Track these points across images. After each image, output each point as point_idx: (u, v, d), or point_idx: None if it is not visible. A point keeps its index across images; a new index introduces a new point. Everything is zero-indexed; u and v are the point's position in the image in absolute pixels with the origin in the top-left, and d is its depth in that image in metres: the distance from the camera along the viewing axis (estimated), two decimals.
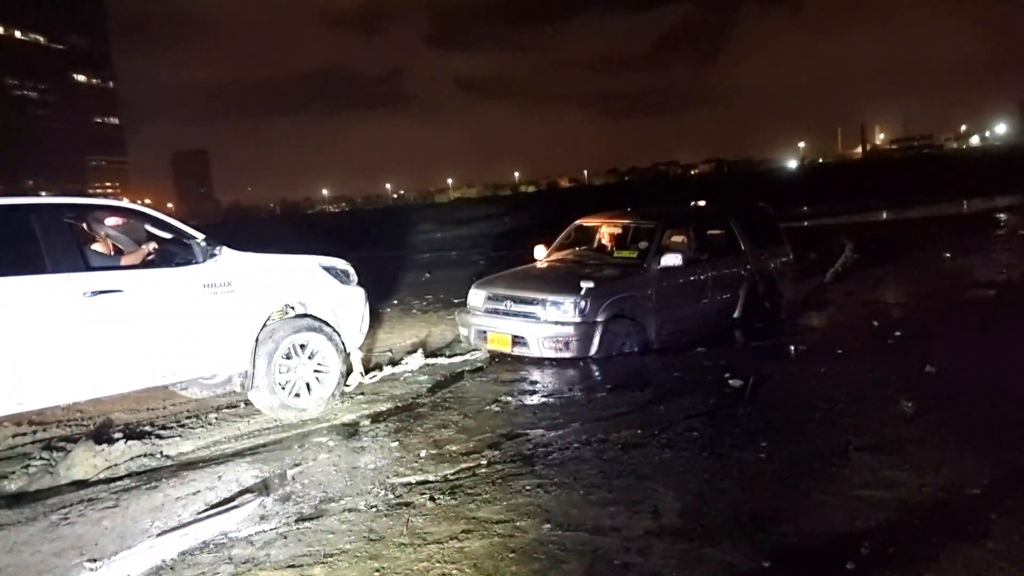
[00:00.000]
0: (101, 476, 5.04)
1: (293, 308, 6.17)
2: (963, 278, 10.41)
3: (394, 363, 7.58)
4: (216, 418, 6.20)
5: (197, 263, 5.47)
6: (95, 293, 4.94)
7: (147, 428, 5.95)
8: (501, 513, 3.92)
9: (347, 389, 6.55)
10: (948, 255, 12.75)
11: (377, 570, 3.43)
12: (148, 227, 5.66)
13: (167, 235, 5.58)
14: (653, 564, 3.31)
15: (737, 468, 4.34)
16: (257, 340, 5.77)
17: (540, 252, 8.70)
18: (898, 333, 7.43)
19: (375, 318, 10.65)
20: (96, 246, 5.57)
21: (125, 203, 5.87)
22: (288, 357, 5.94)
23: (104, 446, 5.39)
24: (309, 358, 6.08)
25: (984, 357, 6.35)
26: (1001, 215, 19.35)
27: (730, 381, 6.04)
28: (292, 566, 3.52)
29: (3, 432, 5.86)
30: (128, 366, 5.16)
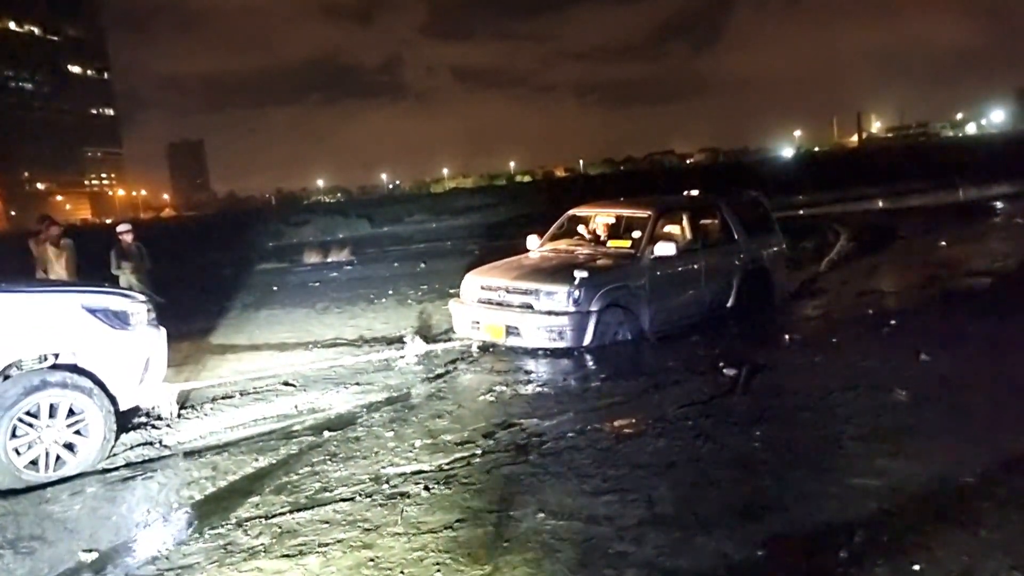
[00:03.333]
0: (98, 467, 5.03)
1: (56, 356, 5.07)
2: (958, 267, 10.43)
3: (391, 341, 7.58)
4: (211, 408, 6.20)
5: None
6: None
7: (143, 419, 5.95)
8: (495, 502, 3.93)
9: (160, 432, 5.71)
10: (943, 243, 12.76)
11: (372, 559, 3.45)
12: None
13: None
14: (647, 553, 3.33)
15: (731, 457, 4.36)
16: None
17: (533, 242, 8.69)
18: (893, 322, 7.45)
19: (371, 309, 10.69)
20: None
21: None
22: (35, 416, 4.82)
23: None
24: (66, 419, 4.94)
25: (979, 346, 6.37)
26: (997, 203, 19.37)
27: (724, 370, 6.06)
28: (287, 555, 3.54)
29: None
30: None
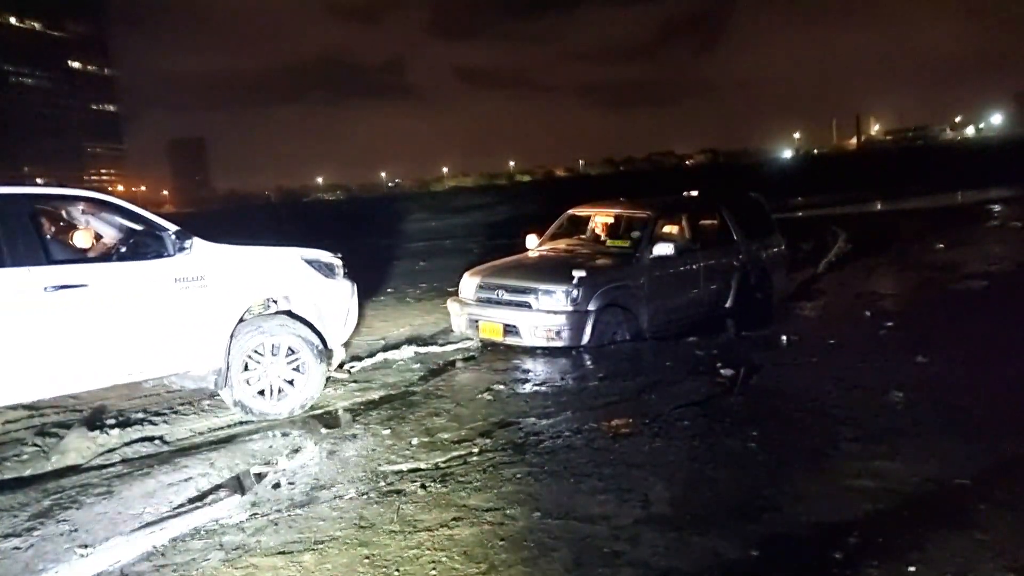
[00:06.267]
0: (94, 462, 5.04)
1: (276, 302, 5.86)
2: (955, 269, 10.43)
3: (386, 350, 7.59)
4: (209, 405, 6.20)
5: (168, 256, 5.19)
6: (57, 288, 4.70)
7: (140, 414, 5.95)
8: (491, 501, 3.93)
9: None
10: (941, 246, 12.77)
11: (367, 557, 3.45)
12: (117, 218, 5.42)
13: (137, 226, 5.31)
14: (642, 552, 3.33)
15: (727, 457, 4.36)
16: (232, 337, 5.49)
17: (532, 241, 8.69)
18: (890, 323, 7.46)
19: (370, 306, 10.69)
20: (79, 236, 5.42)
21: (91, 193, 5.48)
22: (263, 355, 5.67)
23: (97, 432, 5.41)
24: (286, 357, 5.75)
25: (975, 348, 6.38)
26: (995, 206, 19.38)
27: (721, 371, 6.06)
28: (282, 553, 3.54)
29: None
30: (92, 363, 4.93)
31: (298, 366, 5.78)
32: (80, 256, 5.31)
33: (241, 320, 5.58)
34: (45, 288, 4.68)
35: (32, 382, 4.77)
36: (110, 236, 5.62)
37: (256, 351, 5.63)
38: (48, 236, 5.20)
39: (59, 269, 4.82)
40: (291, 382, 5.78)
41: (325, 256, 6.09)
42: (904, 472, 3.99)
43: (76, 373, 4.91)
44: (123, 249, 5.34)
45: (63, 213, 5.68)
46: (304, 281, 5.91)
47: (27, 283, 4.64)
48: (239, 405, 5.68)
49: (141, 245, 5.27)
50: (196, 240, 5.33)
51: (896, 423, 4.73)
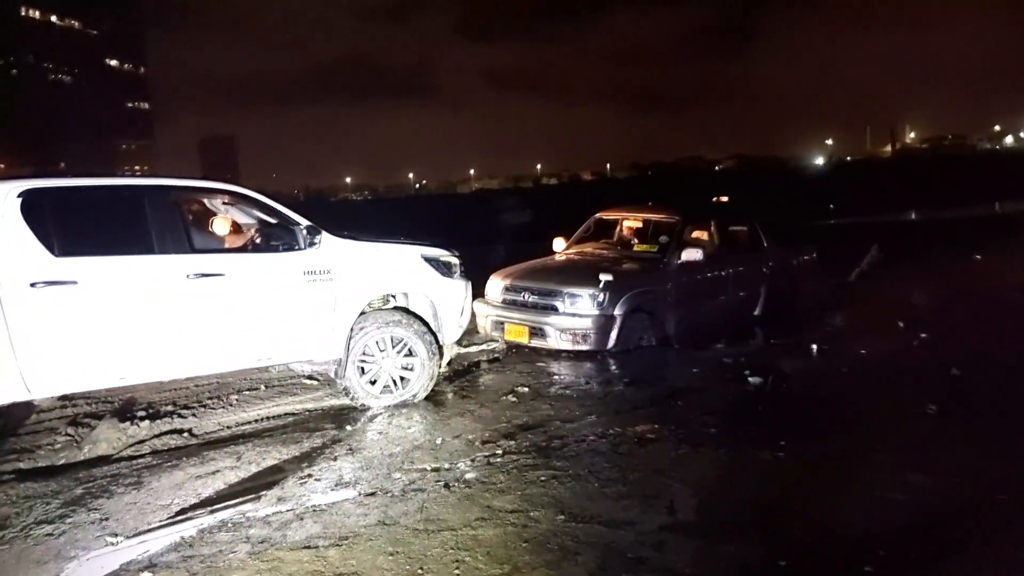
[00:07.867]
0: (125, 453, 5.11)
1: (395, 298, 6.06)
2: (992, 280, 10.24)
3: None
4: (237, 399, 6.26)
5: (298, 249, 5.42)
6: (198, 275, 4.99)
7: (170, 407, 6.03)
8: (515, 503, 3.93)
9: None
10: (978, 256, 12.55)
11: (391, 554, 3.46)
12: (254, 211, 5.64)
13: (271, 220, 5.53)
14: (667, 559, 3.31)
15: (754, 466, 4.32)
16: (352, 329, 5.67)
17: (559, 244, 8.68)
18: (923, 335, 7.34)
19: None
20: (218, 225, 5.63)
21: (233, 187, 5.65)
22: (378, 350, 5.81)
23: (128, 424, 5.48)
24: (400, 353, 5.86)
25: (1011, 361, 6.25)
26: None
27: (749, 378, 6.00)
28: (308, 547, 3.56)
29: (31, 408, 5.95)
30: (226, 347, 5.20)
31: (410, 362, 5.89)
32: (218, 246, 5.57)
33: (362, 314, 5.73)
34: (188, 275, 4.98)
35: (175, 362, 5.05)
36: (246, 227, 5.90)
37: (370, 345, 5.78)
38: (191, 226, 5.41)
39: (200, 258, 5.11)
40: (403, 378, 5.89)
41: (444, 254, 6.19)
42: (938, 486, 3.92)
43: (212, 356, 5.18)
44: (258, 241, 5.60)
45: (204, 204, 5.92)
46: (422, 279, 6.03)
47: (172, 270, 4.94)
48: (351, 396, 5.82)
49: (274, 238, 5.49)
50: (325, 235, 5.53)
51: (928, 436, 4.66)
